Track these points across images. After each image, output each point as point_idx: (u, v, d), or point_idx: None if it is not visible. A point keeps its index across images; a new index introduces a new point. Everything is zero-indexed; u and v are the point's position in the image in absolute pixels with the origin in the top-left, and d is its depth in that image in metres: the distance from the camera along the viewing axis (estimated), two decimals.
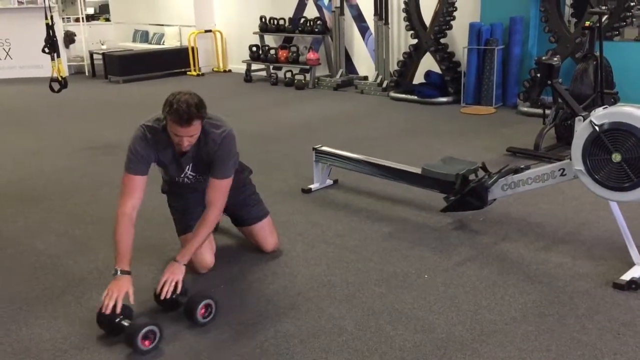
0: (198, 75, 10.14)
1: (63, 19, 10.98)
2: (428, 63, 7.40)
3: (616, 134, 2.77)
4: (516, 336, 2.38)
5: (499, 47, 6.73)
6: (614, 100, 5.04)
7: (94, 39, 11.11)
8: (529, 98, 6.38)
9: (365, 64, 8.67)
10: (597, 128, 2.81)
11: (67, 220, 3.79)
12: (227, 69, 10.60)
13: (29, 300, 2.79)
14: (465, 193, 3.41)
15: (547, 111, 5.08)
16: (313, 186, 4.19)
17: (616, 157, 2.78)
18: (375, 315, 2.57)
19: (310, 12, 9.10)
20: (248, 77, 9.41)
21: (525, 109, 6.41)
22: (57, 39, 5.81)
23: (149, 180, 2.74)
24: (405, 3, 7.34)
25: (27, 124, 6.78)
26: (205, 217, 2.76)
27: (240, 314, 2.61)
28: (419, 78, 7.59)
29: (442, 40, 7.25)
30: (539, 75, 4.43)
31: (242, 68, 9.64)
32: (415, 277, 2.90)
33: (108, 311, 2.40)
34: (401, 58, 7.62)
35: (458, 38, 7.27)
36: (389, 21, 7.82)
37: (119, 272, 2.53)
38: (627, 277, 2.75)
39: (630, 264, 2.84)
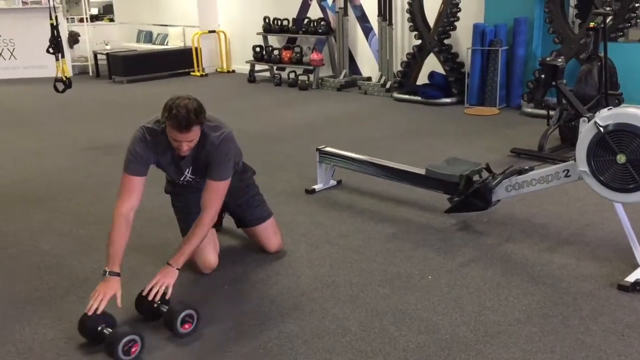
0: (202, 75, 10.15)
1: (67, 19, 11.02)
2: (432, 64, 7.40)
3: (621, 135, 2.76)
4: (520, 337, 2.38)
5: (503, 48, 6.72)
6: (618, 101, 5.03)
7: (98, 39, 11.13)
8: (533, 99, 6.37)
9: (368, 65, 8.66)
10: (601, 129, 2.80)
11: (71, 221, 3.80)
12: (230, 70, 10.61)
13: (33, 300, 2.80)
14: (469, 194, 3.41)
15: (551, 112, 5.07)
16: (317, 187, 4.19)
17: (621, 159, 2.77)
18: (379, 316, 2.57)
19: (314, 12, 9.10)
20: (252, 77, 9.41)
21: (529, 110, 6.40)
22: (61, 39, 5.81)
23: (153, 181, 2.74)
24: (409, 4, 7.33)
25: (31, 124, 6.80)
26: (200, 220, 2.71)
27: (244, 315, 2.61)
28: (422, 79, 7.58)
29: (446, 41, 7.24)
30: (543, 76, 4.42)
31: (246, 68, 9.65)
32: (419, 278, 2.90)
33: (90, 312, 2.37)
34: (405, 59, 7.61)
35: (462, 39, 7.26)
36: (393, 22, 7.82)
37: (107, 274, 2.50)
38: (631, 278, 2.74)
39: (635, 266, 2.83)
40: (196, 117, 2.52)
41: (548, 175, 3.14)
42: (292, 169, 4.74)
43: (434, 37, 7.14)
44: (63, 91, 5.90)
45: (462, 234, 3.40)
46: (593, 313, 2.54)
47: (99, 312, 2.38)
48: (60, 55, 5.76)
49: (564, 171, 3.07)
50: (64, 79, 5.81)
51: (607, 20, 4.75)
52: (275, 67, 9.49)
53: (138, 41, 11.72)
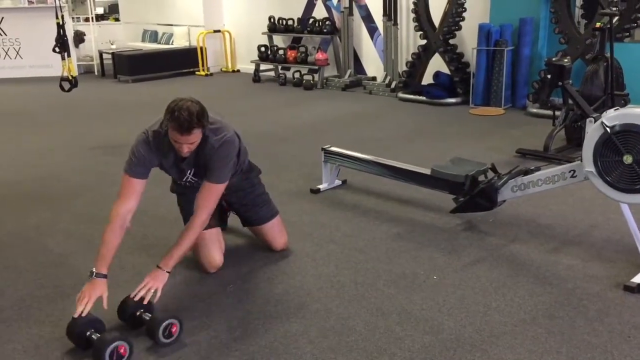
0: (206, 75, 10.16)
1: (73, 18, 11.04)
2: (437, 64, 7.39)
3: (628, 136, 2.76)
4: (526, 338, 2.37)
5: (508, 48, 6.71)
6: (624, 101, 5.01)
7: (103, 39, 11.16)
8: (538, 99, 6.35)
9: (373, 65, 8.66)
10: (608, 129, 2.80)
11: (76, 219, 3.81)
12: (235, 69, 10.62)
13: (39, 298, 2.81)
14: (474, 194, 3.40)
15: (557, 112, 5.06)
16: (322, 186, 4.19)
17: (627, 159, 2.76)
18: (384, 316, 2.56)
19: (319, 12, 9.10)
20: (256, 77, 9.42)
21: (535, 110, 6.38)
22: (67, 38, 5.83)
23: (160, 180, 2.74)
24: (414, 4, 7.32)
25: (37, 123, 6.82)
26: (192, 222, 2.69)
27: (249, 314, 2.62)
28: (427, 79, 7.57)
29: (451, 41, 7.23)
30: (549, 76, 4.41)
31: (251, 68, 9.66)
32: (424, 278, 2.89)
33: (76, 315, 2.36)
34: (410, 59, 7.61)
35: (467, 39, 7.25)
36: (398, 22, 7.81)
37: (94, 275, 2.48)
38: (637, 279, 2.73)
39: None
40: (198, 120, 2.53)
41: (554, 175, 3.13)
42: (297, 169, 4.74)
43: (439, 37, 7.13)
44: (69, 90, 5.91)
45: (467, 234, 3.39)
46: (599, 314, 2.53)
47: (84, 314, 2.36)
48: (66, 54, 5.78)
49: (570, 171, 3.06)
50: (70, 78, 5.82)
51: (614, 20, 4.74)
52: (280, 67, 9.50)
53: (143, 41, 11.74)
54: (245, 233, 3.40)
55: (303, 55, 8.90)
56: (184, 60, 10.27)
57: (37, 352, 2.38)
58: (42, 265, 3.15)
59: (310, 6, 9.24)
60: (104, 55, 10.59)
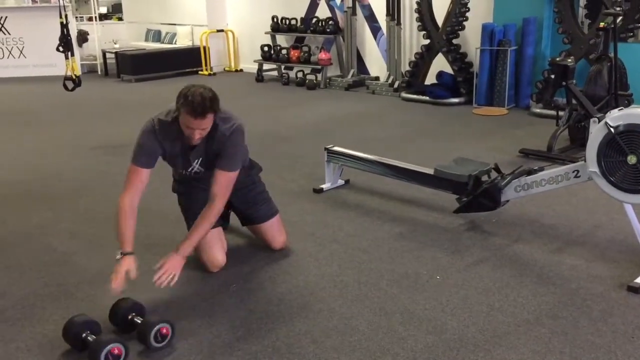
0: (210, 74, 10.17)
1: (76, 17, 11.05)
2: (440, 64, 7.38)
3: (631, 136, 2.75)
4: (529, 338, 2.37)
5: (511, 48, 6.69)
6: (628, 102, 5.00)
7: (106, 38, 11.17)
8: (541, 99, 6.34)
9: (376, 65, 8.65)
10: (612, 130, 2.79)
11: (79, 219, 3.82)
12: (238, 69, 10.62)
13: (43, 297, 2.81)
14: (478, 194, 3.40)
15: (561, 112, 5.05)
16: (324, 186, 4.19)
17: (631, 159, 2.76)
18: (387, 315, 2.56)
19: (322, 12, 9.10)
20: (259, 76, 9.42)
21: (538, 110, 6.37)
22: (71, 38, 5.84)
23: (163, 178, 2.74)
24: (418, 3, 7.31)
25: (41, 123, 6.83)
26: (209, 208, 2.74)
27: (252, 313, 2.62)
28: (430, 79, 7.57)
29: (455, 41, 7.22)
30: (552, 76, 4.40)
31: (254, 68, 9.66)
32: (427, 278, 2.89)
33: (115, 285, 2.45)
34: (413, 58, 7.60)
35: (470, 39, 7.24)
36: (401, 21, 7.81)
37: (120, 255, 2.56)
38: None
39: None
40: (211, 105, 2.57)
41: (557, 175, 3.13)
42: (299, 168, 4.74)
43: (442, 36, 7.12)
44: (72, 89, 5.92)
45: (470, 234, 3.39)
46: (603, 314, 2.52)
47: (118, 291, 2.45)
48: (69, 53, 5.79)
49: (573, 172, 3.06)
50: (74, 77, 5.83)
51: (617, 20, 4.73)
52: (283, 67, 9.49)
53: (146, 40, 11.76)
54: (246, 233, 3.40)
55: (306, 55, 8.89)
56: (187, 60, 10.28)
57: (40, 351, 2.38)
58: (45, 264, 3.16)
59: (313, 6, 9.24)
60: (107, 55, 10.59)
